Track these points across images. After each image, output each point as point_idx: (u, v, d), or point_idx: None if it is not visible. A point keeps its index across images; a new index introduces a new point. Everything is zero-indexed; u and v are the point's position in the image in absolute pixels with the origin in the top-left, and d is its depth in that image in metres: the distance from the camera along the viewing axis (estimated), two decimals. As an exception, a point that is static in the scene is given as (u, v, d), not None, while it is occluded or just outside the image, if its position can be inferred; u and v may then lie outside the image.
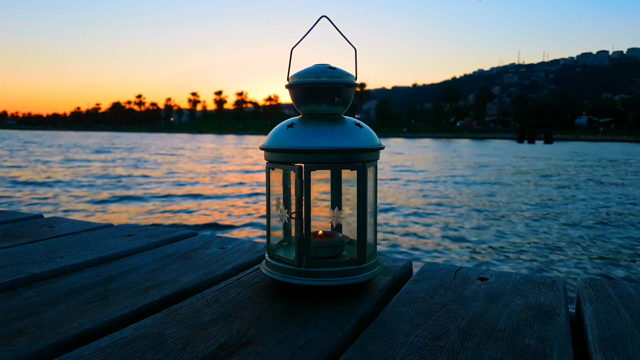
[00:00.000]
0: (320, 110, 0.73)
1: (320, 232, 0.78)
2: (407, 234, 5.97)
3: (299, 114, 0.75)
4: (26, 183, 10.77)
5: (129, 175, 12.64)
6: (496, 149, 32.12)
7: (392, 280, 0.78)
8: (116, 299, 0.69)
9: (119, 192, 9.44)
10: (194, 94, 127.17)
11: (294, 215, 0.69)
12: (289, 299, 0.69)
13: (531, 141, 47.01)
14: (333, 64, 0.73)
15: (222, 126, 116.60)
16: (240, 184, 11.32)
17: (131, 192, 9.46)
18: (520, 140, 48.76)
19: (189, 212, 7.49)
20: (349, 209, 0.77)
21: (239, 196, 9.24)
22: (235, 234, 5.94)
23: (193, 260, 0.89)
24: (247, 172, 14.55)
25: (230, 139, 58.12)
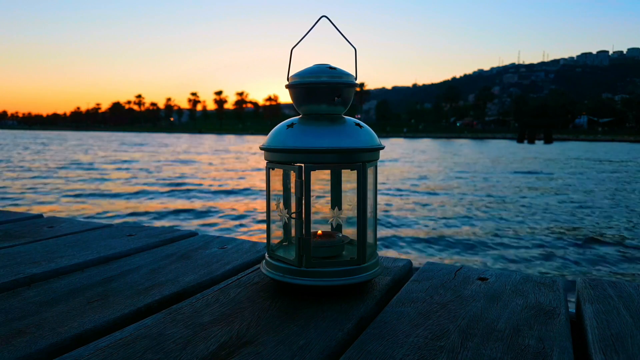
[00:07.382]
0: (320, 110, 0.73)
1: (320, 232, 0.78)
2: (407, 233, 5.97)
3: (299, 114, 0.75)
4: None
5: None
6: (498, 149, 31.99)
7: (392, 280, 0.78)
8: (116, 299, 0.69)
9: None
10: (194, 94, 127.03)
11: (294, 215, 0.69)
12: (289, 299, 0.69)
13: (531, 141, 47.00)
14: (333, 64, 0.73)
15: (222, 126, 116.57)
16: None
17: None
18: (520, 140, 48.75)
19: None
20: (349, 209, 0.77)
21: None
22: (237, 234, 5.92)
23: (193, 260, 0.89)
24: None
25: (239, 139, 57.47)
